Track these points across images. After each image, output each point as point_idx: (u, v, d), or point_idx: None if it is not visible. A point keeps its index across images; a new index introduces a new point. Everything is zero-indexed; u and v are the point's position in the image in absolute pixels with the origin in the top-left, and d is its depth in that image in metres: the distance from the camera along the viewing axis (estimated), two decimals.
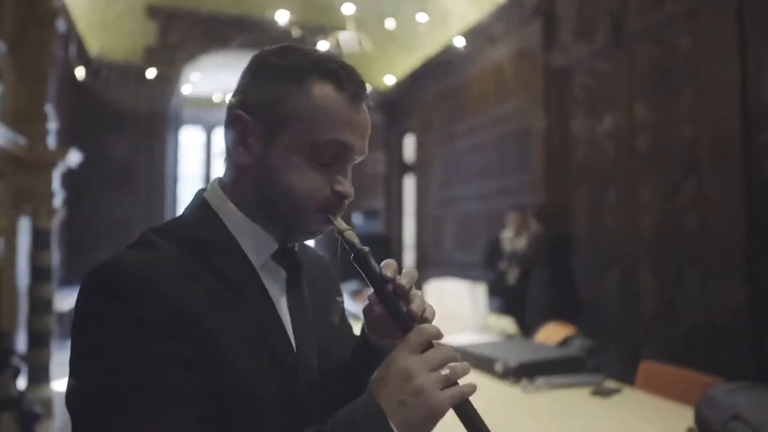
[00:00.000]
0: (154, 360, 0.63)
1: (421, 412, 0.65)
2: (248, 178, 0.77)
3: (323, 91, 0.74)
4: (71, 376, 0.66)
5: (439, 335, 0.70)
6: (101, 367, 0.64)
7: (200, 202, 0.80)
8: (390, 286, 0.72)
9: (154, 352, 0.63)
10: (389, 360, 0.68)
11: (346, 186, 0.77)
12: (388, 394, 0.65)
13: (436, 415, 0.66)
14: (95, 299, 0.66)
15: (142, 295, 0.65)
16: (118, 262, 0.68)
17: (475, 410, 0.69)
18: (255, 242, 0.77)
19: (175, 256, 0.71)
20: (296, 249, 0.83)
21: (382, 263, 0.74)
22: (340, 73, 0.75)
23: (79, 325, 0.67)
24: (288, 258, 0.81)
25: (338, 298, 0.85)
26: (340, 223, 0.76)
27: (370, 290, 0.76)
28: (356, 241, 0.75)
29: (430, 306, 0.75)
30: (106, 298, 0.65)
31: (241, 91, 0.78)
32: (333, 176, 0.76)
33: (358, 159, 0.79)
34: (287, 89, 0.74)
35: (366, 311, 0.80)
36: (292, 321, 0.79)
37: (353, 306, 4.00)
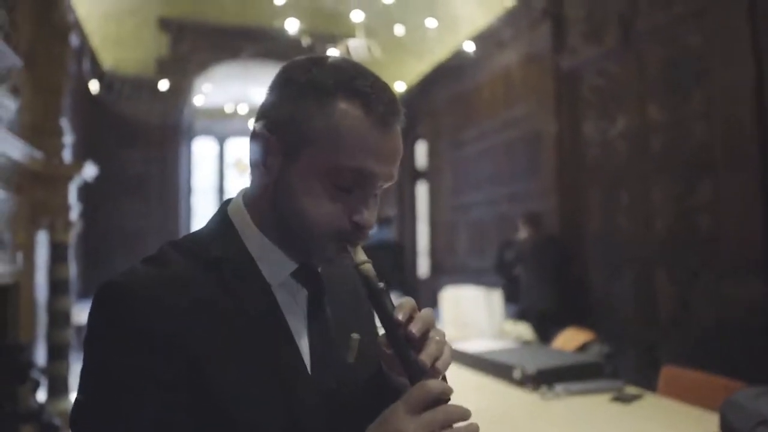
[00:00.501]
0: (142, 377, 0.63)
1: None
2: (267, 197, 0.73)
3: (348, 113, 0.68)
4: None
5: (446, 393, 0.64)
6: (96, 383, 0.65)
7: (222, 216, 0.78)
8: (401, 331, 0.67)
9: (142, 369, 0.63)
10: (383, 417, 0.63)
11: (365, 216, 0.71)
12: None
13: None
14: (97, 316, 0.67)
15: (138, 314, 0.64)
16: (122, 280, 0.67)
17: None
18: (272, 262, 0.74)
19: (188, 273, 0.69)
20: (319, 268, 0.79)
21: (398, 303, 0.69)
22: (369, 93, 0.69)
23: (85, 340, 0.68)
24: (311, 276, 0.77)
25: (353, 335, 0.76)
26: (358, 256, 0.71)
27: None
28: (372, 275, 0.70)
29: (448, 354, 0.69)
30: (106, 316, 0.66)
31: (265, 106, 0.74)
32: (354, 204, 0.71)
33: (385, 185, 0.73)
34: (309, 108, 0.69)
35: (380, 343, 0.74)
36: (310, 342, 0.75)
37: None
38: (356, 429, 0.65)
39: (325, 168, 0.69)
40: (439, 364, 0.67)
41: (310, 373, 0.73)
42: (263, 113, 0.74)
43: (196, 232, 0.79)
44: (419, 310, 0.70)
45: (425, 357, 0.66)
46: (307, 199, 0.70)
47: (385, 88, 0.71)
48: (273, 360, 0.70)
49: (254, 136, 0.73)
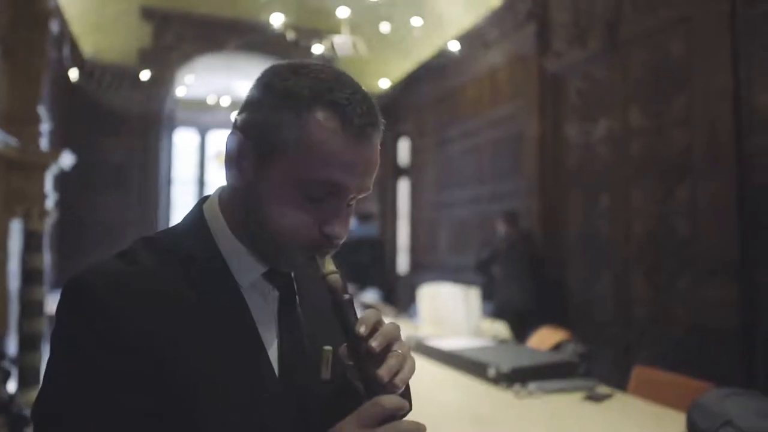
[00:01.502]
0: (104, 376, 0.62)
1: None
2: (239, 199, 0.73)
3: (323, 125, 0.67)
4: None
5: (400, 409, 0.63)
6: (62, 379, 0.65)
7: (197, 214, 0.77)
8: (363, 345, 0.66)
9: (105, 368, 0.62)
10: (336, 429, 0.63)
11: (335, 227, 0.70)
12: None
13: None
14: (65, 312, 0.66)
15: (101, 312, 0.64)
16: (90, 277, 0.66)
17: None
18: (242, 263, 0.73)
19: (158, 271, 0.69)
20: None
21: (360, 316, 0.68)
22: (346, 105, 0.67)
23: (52, 334, 0.68)
24: (282, 278, 0.77)
25: (325, 348, 0.73)
26: (326, 266, 0.71)
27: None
28: (339, 286, 0.70)
29: (408, 368, 0.68)
30: (73, 312, 0.65)
31: (244, 108, 0.73)
32: (325, 215, 0.70)
33: (359, 196, 0.72)
34: (283, 118, 0.67)
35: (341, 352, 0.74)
36: (279, 344, 0.74)
37: None
38: (324, 415, 0.67)
39: (297, 179, 0.68)
40: (397, 380, 0.66)
41: (278, 375, 0.73)
42: (240, 116, 0.73)
43: (171, 228, 0.79)
44: (388, 315, 0.69)
45: (384, 372, 0.65)
46: (277, 208, 0.69)
47: (364, 99, 0.69)
48: (241, 362, 0.69)
49: (229, 138, 0.72)
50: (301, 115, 0.67)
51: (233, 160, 0.71)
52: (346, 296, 0.70)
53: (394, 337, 0.68)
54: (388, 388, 0.65)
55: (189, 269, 0.70)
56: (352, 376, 0.72)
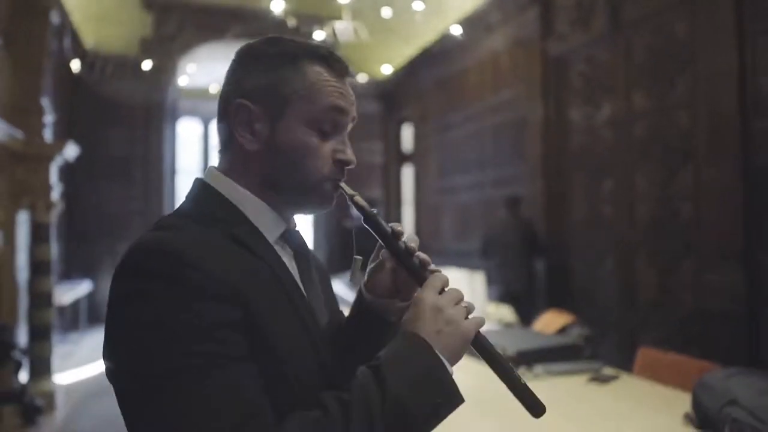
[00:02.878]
0: (210, 324, 0.65)
1: (455, 337, 0.74)
2: (257, 161, 0.81)
3: (316, 70, 0.81)
4: (114, 358, 0.67)
5: (448, 279, 0.79)
6: (158, 342, 0.64)
7: (204, 187, 0.82)
8: (402, 242, 0.81)
9: (207, 317, 0.65)
10: (416, 301, 0.76)
11: (348, 153, 0.83)
12: (426, 327, 0.73)
13: (468, 340, 0.75)
14: (138, 281, 0.67)
15: (184, 267, 0.66)
16: (150, 243, 0.70)
17: (486, 339, 0.78)
18: (267, 221, 0.81)
19: (200, 232, 0.74)
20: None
21: (391, 224, 0.82)
22: (328, 56, 0.83)
23: (122, 308, 0.67)
24: (294, 239, 0.86)
25: (356, 257, 0.89)
26: (350, 190, 0.83)
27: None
28: (365, 204, 0.82)
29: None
30: (150, 276, 0.66)
31: (235, 82, 0.82)
32: (335, 146, 0.82)
33: (351, 125, 0.86)
34: (285, 73, 0.80)
35: (376, 268, 0.86)
36: (305, 291, 0.84)
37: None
38: (352, 364, 0.73)
39: (308, 118, 0.80)
40: (431, 267, 0.81)
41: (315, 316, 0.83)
42: (235, 89, 0.81)
43: (182, 207, 0.82)
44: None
45: (422, 257, 0.81)
46: (300, 148, 0.80)
47: (336, 52, 0.85)
48: (293, 305, 0.78)
49: (235, 110, 0.80)
50: (298, 67, 0.81)
51: (244, 128, 0.80)
52: (375, 210, 0.83)
53: (417, 242, 0.83)
54: (427, 267, 0.80)
55: (225, 228, 0.76)
56: (369, 291, 0.86)
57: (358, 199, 0.82)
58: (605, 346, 4.08)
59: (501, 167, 6.20)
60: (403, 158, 9.31)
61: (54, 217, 4.52)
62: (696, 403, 1.59)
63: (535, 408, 0.78)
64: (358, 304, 0.90)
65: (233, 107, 0.80)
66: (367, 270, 0.88)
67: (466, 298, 0.79)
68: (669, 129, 4.04)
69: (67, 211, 6.24)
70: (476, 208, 6.71)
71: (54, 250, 4.56)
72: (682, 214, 3.93)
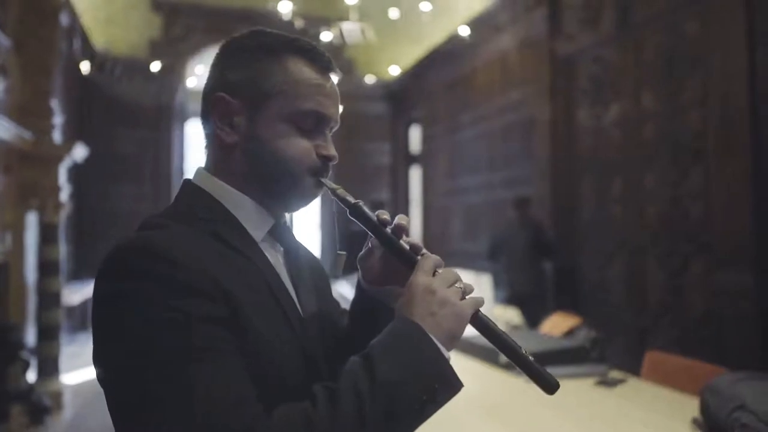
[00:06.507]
0: (198, 320, 0.64)
1: (450, 319, 0.72)
2: (237, 155, 0.80)
3: (298, 65, 0.80)
4: (101, 359, 0.67)
5: (441, 263, 0.77)
6: (146, 339, 0.63)
7: (191, 187, 0.82)
8: (389, 228, 0.79)
9: (195, 313, 0.64)
10: (409, 284, 0.74)
11: (330, 149, 0.82)
12: (419, 311, 0.71)
13: (464, 320, 0.73)
14: (124, 280, 0.66)
15: (170, 265, 0.66)
16: (135, 242, 0.69)
17: (488, 318, 0.76)
18: (253, 217, 0.81)
19: (185, 231, 0.74)
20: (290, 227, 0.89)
21: (377, 212, 0.81)
22: (309, 49, 0.81)
23: (107, 309, 0.66)
24: (284, 234, 0.86)
25: (339, 252, 0.89)
26: (331, 184, 0.81)
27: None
28: (348, 196, 0.81)
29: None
30: (136, 275, 0.65)
31: (217, 76, 0.82)
32: (316, 142, 0.81)
33: (334, 127, 0.85)
34: (266, 66, 0.79)
35: (364, 257, 0.85)
36: (294, 289, 0.83)
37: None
38: (343, 360, 0.72)
39: (289, 113, 0.79)
40: (423, 250, 0.80)
41: (300, 311, 0.82)
42: (217, 83, 0.81)
43: (169, 207, 0.82)
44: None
45: (411, 240, 0.80)
46: (279, 142, 0.79)
47: (319, 47, 0.83)
48: (276, 303, 0.76)
49: (214, 103, 0.80)
50: (280, 60, 0.80)
51: (224, 121, 0.79)
52: (359, 201, 0.81)
53: (408, 221, 0.83)
54: (418, 251, 0.79)
55: (210, 227, 0.76)
56: (365, 279, 0.86)
57: (341, 192, 0.81)
58: (614, 349, 4.04)
59: (509, 168, 6.17)
60: (411, 159, 9.29)
61: (62, 217, 4.54)
62: (704, 408, 1.56)
63: (549, 384, 0.74)
64: (359, 295, 0.90)
65: (213, 100, 0.80)
66: (357, 260, 0.87)
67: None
68: (679, 129, 3.99)
69: (75, 211, 6.29)
70: (484, 209, 6.68)
71: (62, 250, 4.59)
72: (691, 215, 3.88)
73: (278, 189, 0.80)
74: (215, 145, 0.82)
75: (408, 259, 0.78)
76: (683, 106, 3.96)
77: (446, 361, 0.70)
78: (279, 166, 0.79)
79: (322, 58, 0.82)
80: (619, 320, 4.45)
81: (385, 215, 0.80)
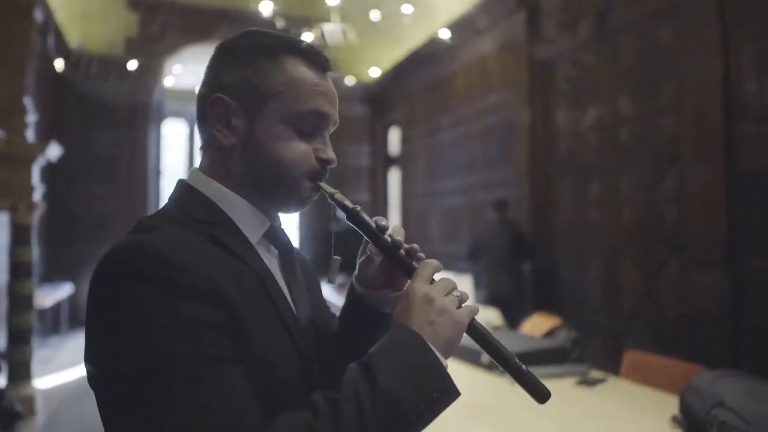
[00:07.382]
0: (195, 325, 0.63)
1: (448, 328, 0.72)
2: (235, 157, 0.79)
3: (295, 65, 0.79)
4: (96, 362, 0.65)
5: (440, 267, 0.78)
6: (143, 344, 0.62)
7: (186, 188, 0.81)
8: (387, 236, 0.80)
9: (192, 318, 0.63)
10: (407, 292, 0.74)
11: (329, 153, 0.81)
12: (417, 319, 0.71)
13: (461, 329, 0.73)
14: (120, 283, 0.64)
15: (167, 268, 0.64)
16: (131, 245, 0.67)
17: (483, 326, 0.77)
18: (248, 219, 0.80)
19: (182, 233, 0.72)
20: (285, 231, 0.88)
21: (375, 218, 0.82)
22: (307, 49, 0.81)
23: (103, 311, 0.65)
24: (278, 237, 0.85)
25: (334, 257, 0.89)
26: (329, 188, 0.81)
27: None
28: (347, 201, 0.80)
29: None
30: (132, 278, 0.64)
31: (213, 78, 0.81)
32: (315, 145, 0.81)
33: (332, 128, 0.84)
34: (263, 67, 0.78)
35: (364, 263, 0.86)
36: (289, 291, 0.83)
37: (337, 299, 3.99)
38: (337, 364, 0.73)
39: (287, 114, 0.78)
40: (420, 254, 0.81)
41: (295, 313, 0.81)
42: (213, 85, 0.80)
43: (163, 208, 0.80)
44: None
45: (410, 247, 0.80)
46: (278, 145, 0.78)
47: (315, 46, 0.84)
48: (273, 305, 0.76)
49: (212, 104, 0.79)
50: (278, 61, 0.79)
51: (222, 122, 0.78)
52: (357, 206, 0.81)
53: (404, 234, 0.83)
54: (420, 259, 0.79)
55: (206, 230, 0.75)
56: (361, 284, 0.87)
57: (339, 196, 0.80)
58: (591, 349, 4.10)
59: (488, 171, 6.22)
60: (390, 161, 9.31)
61: (35, 218, 4.44)
62: (683, 406, 1.59)
63: (540, 393, 0.75)
64: (351, 299, 0.90)
65: (210, 102, 0.79)
66: (357, 264, 0.87)
67: None
68: (654, 133, 4.07)
69: (49, 212, 6.15)
70: (463, 211, 6.72)
71: (35, 252, 4.48)
72: (667, 218, 3.96)
73: (276, 192, 0.80)
74: (212, 147, 0.81)
75: (406, 266, 0.78)
76: (659, 111, 4.04)
77: (445, 370, 0.70)
78: (278, 169, 0.78)
79: (319, 58, 0.81)
80: (595, 321, 4.51)
81: (383, 221, 0.80)
